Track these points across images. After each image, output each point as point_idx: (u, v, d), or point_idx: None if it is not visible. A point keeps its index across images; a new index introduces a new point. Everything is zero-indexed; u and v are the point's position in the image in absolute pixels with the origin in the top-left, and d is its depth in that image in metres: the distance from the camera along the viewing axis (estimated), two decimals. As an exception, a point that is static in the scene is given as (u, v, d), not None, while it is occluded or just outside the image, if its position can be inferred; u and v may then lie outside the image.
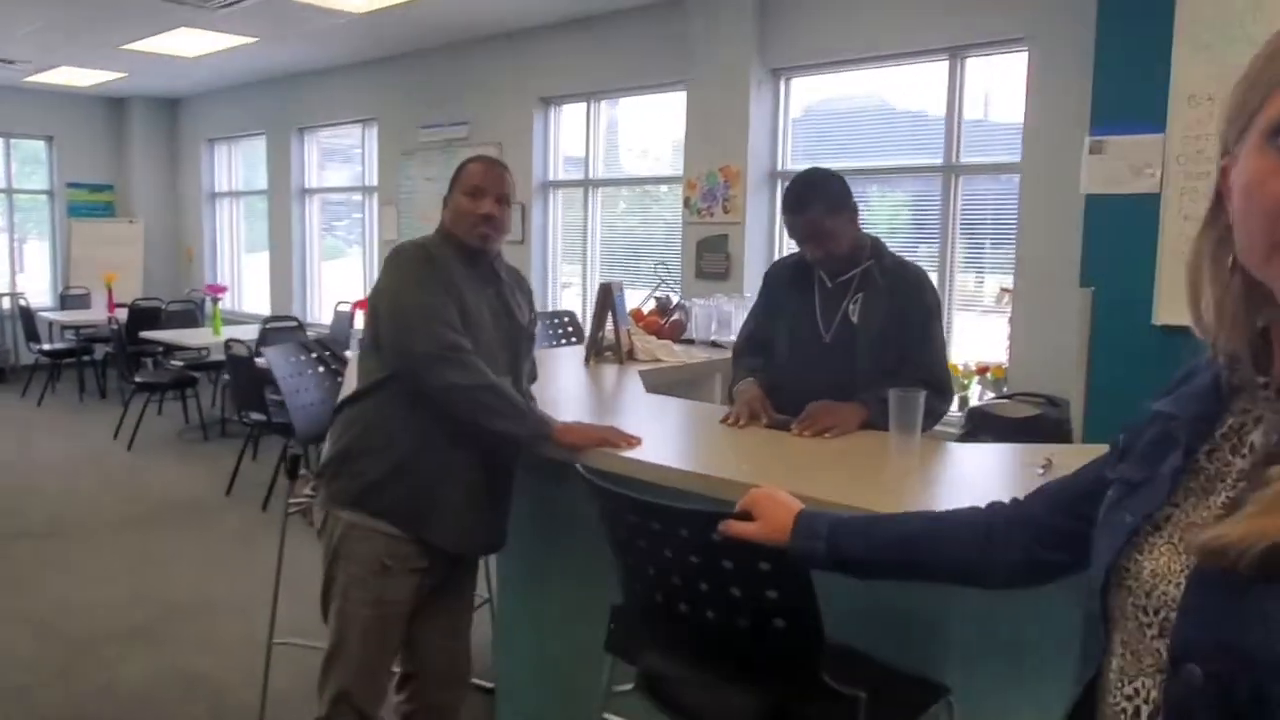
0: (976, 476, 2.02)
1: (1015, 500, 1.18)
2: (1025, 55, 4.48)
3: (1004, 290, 4.84)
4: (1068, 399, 4.14)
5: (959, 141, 4.88)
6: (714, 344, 4.04)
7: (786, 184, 2.50)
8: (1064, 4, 4.24)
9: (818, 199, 2.41)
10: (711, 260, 5.61)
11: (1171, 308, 3.75)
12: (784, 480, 1.80)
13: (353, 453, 2.12)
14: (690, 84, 5.64)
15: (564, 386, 3.16)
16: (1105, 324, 3.94)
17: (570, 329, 4.62)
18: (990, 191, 4.90)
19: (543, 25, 6.44)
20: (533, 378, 2.44)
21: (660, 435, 2.38)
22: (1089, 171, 3.93)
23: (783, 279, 2.65)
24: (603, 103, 6.56)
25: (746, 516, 1.32)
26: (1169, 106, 3.69)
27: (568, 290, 6.98)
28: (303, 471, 2.65)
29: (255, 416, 5.35)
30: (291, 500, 2.59)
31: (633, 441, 2.14)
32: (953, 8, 4.65)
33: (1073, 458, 2.06)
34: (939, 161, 4.91)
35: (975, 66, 4.84)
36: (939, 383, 2.43)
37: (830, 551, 1.22)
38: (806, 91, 5.58)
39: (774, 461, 2.06)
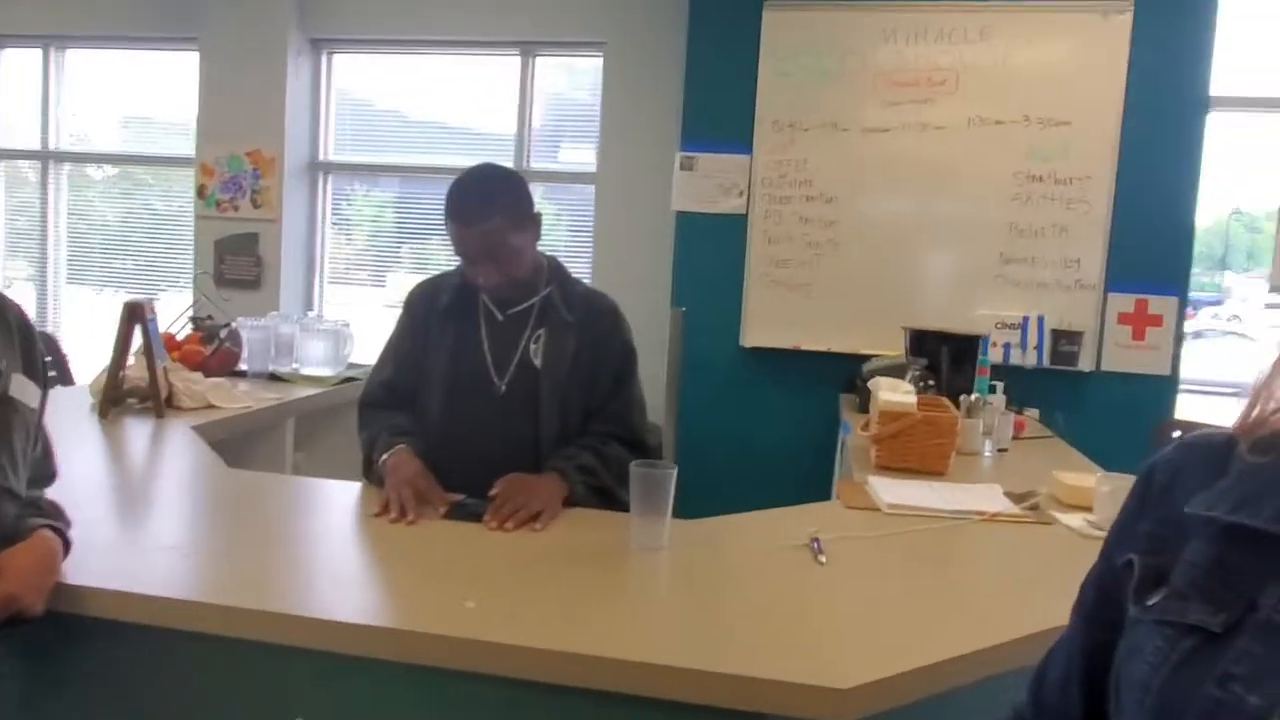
0: (754, 569, 1.60)
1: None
2: (601, 60, 4.26)
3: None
4: (657, 424, 4.01)
5: (529, 145, 4.52)
6: (274, 377, 3.14)
7: (452, 184, 1.84)
8: (646, 14, 4.10)
9: (500, 207, 1.81)
10: (237, 264, 4.55)
11: (758, 330, 3.78)
12: (539, 624, 1.22)
13: None
14: (204, 44, 4.50)
15: (74, 456, 2.10)
16: (694, 345, 3.87)
17: (48, 359, 3.31)
18: (565, 201, 4.63)
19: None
20: (46, 476, 1.46)
21: (295, 556, 1.58)
22: (679, 188, 3.82)
23: (435, 308, 1.98)
24: (68, 52, 5.01)
25: None
26: (754, 130, 3.71)
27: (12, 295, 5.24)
28: None
29: None
30: None
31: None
32: (525, 2, 4.27)
33: (836, 518, 1.86)
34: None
35: (547, 67, 4.53)
36: (638, 440, 1.99)
37: None
38: (354, 73, 4.79)
39: (498, 588, 1.42)
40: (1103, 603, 0.72)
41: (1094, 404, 3.60)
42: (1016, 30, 3.50)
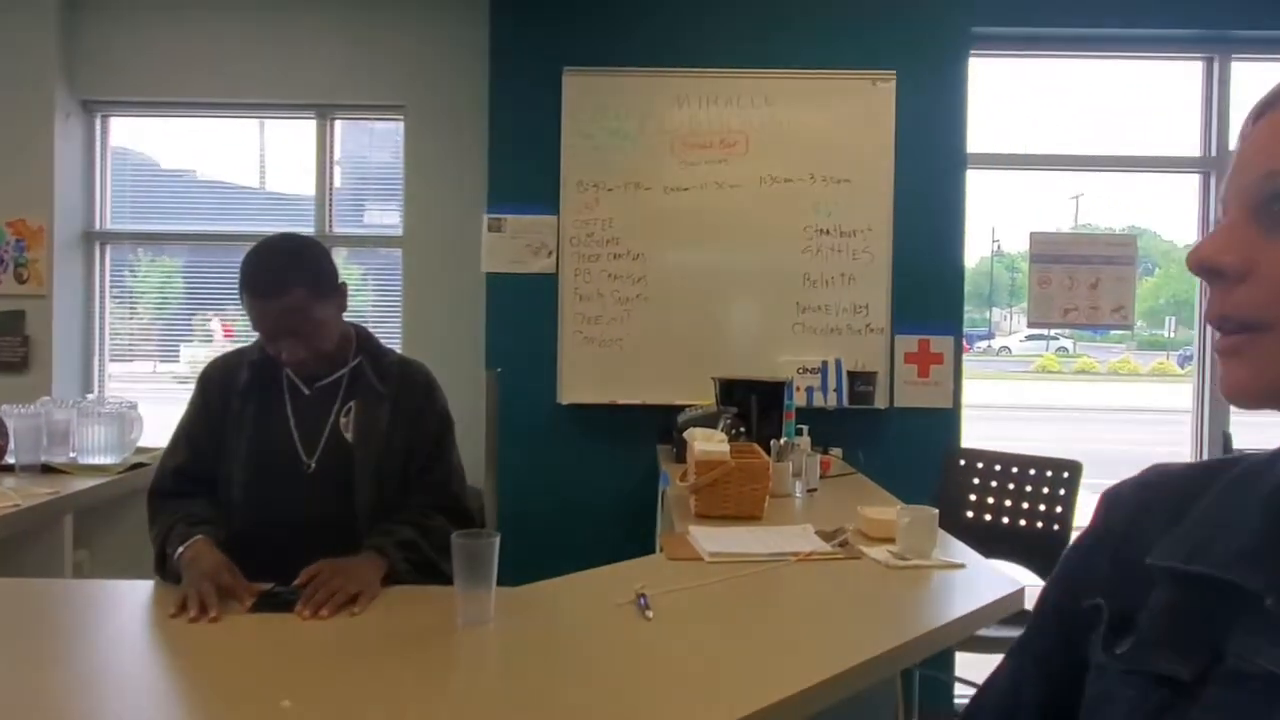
0: (583, 630, 1.58)
1: None
2: (402, 123, 4.21)
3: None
4: (478, 487, 3.94)
5: (331, 209, 4.39)
6: (47, 469, 2.85)
7: (247, 255, 1.76)
8: (446, 77, 4.10)
9: (301, 278, 1.74)
10: (2, 346, 4.13)
11: (574, 387, 3.81)
12: (363, 716, 1.17)
13: None
14: (-48, 104, 4.11)
15: None
16: (511, 405, 3.84)
17: None
18: (372, 264, 4.51)
19: None
20: None
21: (72, 676, 1.43)
22: (489, 249, 3.82)
23: (233, 386, 1.87)
24: None
25: None
26: (560, 190, 3.77)
27: None
28: None
29: None
30: None
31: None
32: (323, 64, 4.17)
33: (661, 571, 1.85)
34: (310, 231, 4.34)
35: (348, 129, 4.43)
36: (459, 511, 1.94)
37: None
38: (139, 136, 4.50)
39: (315, 681, 1.34)
40: (1065, 646, 0.70)
41: (890, 439, 3.84)
42: (796, 96, 3.76)
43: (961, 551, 2.10)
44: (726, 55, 3.78)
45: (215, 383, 1.89)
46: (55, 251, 4.13)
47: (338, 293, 1.83)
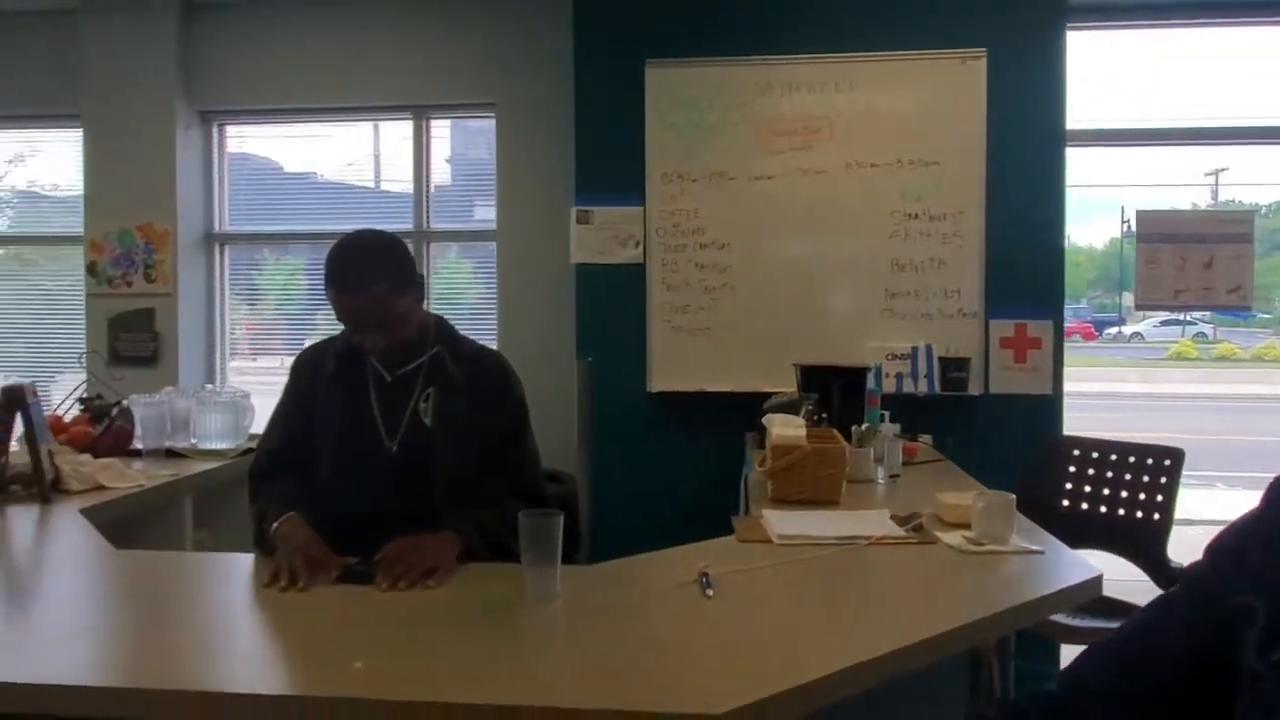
0: (644, 607, 1.64)
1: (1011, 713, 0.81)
2: (494, 120, 4.34)
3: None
4: (572, 474, 4.03)
5: (429, 206, 4.56)
6: (170, 453, 3.08)
7: (330, 251, 1.87)
8: (535, 74, 4.20)
9: (380, 272, 1.85)
10: (132, 341, 4.45)
11: (663, 375, 3.86)
12: (428, 679, 1.24)
13: None
14: (89, 120, 4.45)
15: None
16: (603, 393, 3.92)
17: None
18: (446, 258, 4.66)
19: None
20: None
21: (177, 631, 1.57)
22: (577, 241, 3.90)
23: (322, 372, 2.00)
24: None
25: None
26: (646, 181, 3.82)
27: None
28: None
29: None
30: None
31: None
32: (418, 66, 4.34)
33: (729, 553, 1.91)
34: (409, 227, 4.52)
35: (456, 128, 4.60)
36: (536, 494, 2.02)
37: None
38: (243, 142, 4.78)
39: (388, 647, 1.43)
40: (1210, 629, 0.69)
41: (984, 426, 3.75)
42: (882, 78, 3.71)
43: (1042, 538, 2.05)
44: (809, 41, 3.75)
45: (305, 371, 2.02)
46: (179, 253, 4.43)
47: (415, 285, 1.93)
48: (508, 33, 4.25)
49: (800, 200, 3.76)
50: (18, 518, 2.30)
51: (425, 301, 2.05)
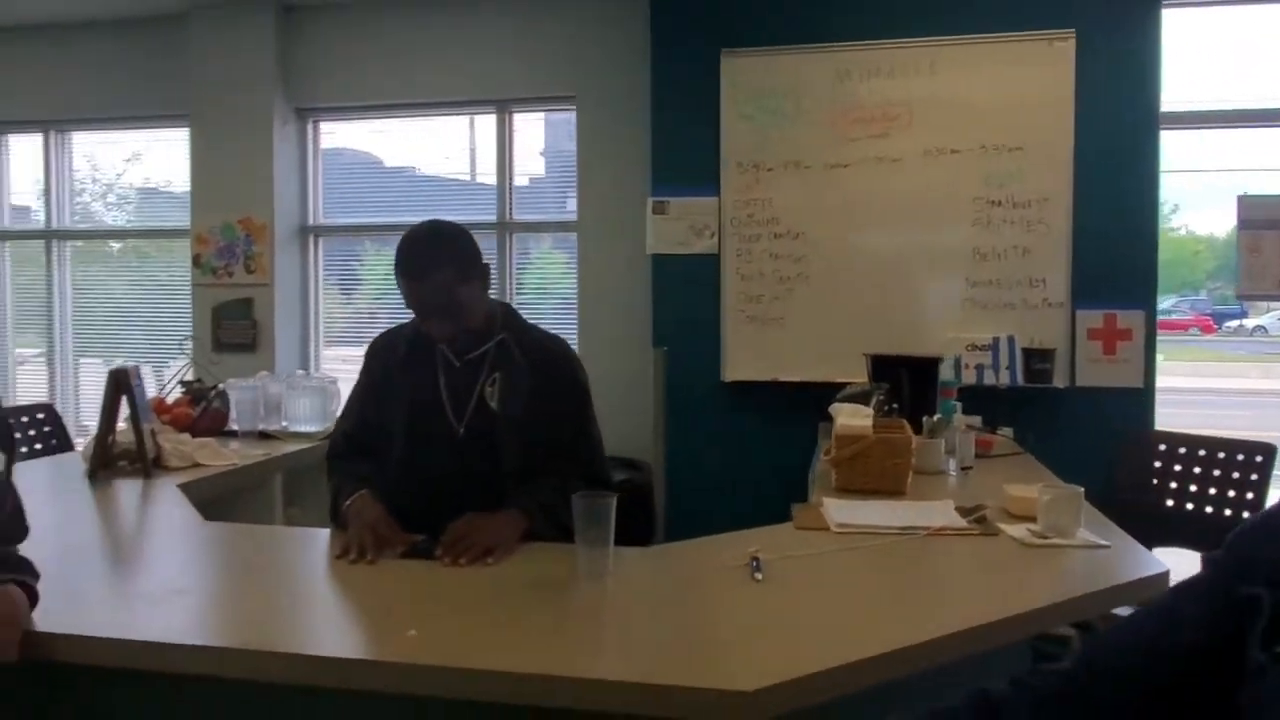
0: (691, 588, 1.67)
1: (1016, 686, 0.82)
2: (575, 113, 4.41)
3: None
4: (647, 460, 4.09)
5: (511, 197, 4.66)
6: (263, 435, 3.25)
7: (400, 241, 1.96)
8: (613, 65, 4.26)
9: (446, 261, 1.92)
10: (233, 329, 4.70)
11: (737, 365, 3.87)
12: (475, 647, 1.30)
13: None
14: (195, 119, 4.70)
15: (64, 518, 2.22)
16: (677, 382, 3.96)
17: (49, 429, 3.45)
18: (541, 249, 4.75)
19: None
20: (15, 535, 1.54)
21: (255, 597, 1.67)
22: (654, 231, 3.94)
23: (394, 357, 2.09)
24: (75, 135, 5.23)
25: None
26: (721, 171, 3.83)
27: (25, 371, 5.41)
28: None
29: None
30: None
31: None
32: (500, 60, 4.45)
33: (784, 539, 1.94)
34: (491, 219, 4.64)
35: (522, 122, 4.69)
36: (598, 476, 2.07)
37: None
38: (337, 137, 4.98)
39: (443, 617, 1.50)
40: (1223, 617, 0.70)
41: (1069, 419, 3.65)
42: (965, 62, 3.63)
43: (1111, 533, 2.00)
44: (887, 26, 3.70)
45: (378, 356, 2.12)
46: (276, 244, 4.64)
47: (481, 274, 1.99)
48: (588, 25, 4.31)
49: (877, 188, 3.71)
50: (123, 490, 2.48)
51: (501, 292, 2.11)
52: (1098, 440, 3.43)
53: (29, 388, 5.31)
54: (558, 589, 1.65)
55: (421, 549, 1.81)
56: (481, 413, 2.04)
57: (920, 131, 3.67)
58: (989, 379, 3.66)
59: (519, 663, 1.27)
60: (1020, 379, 3.66)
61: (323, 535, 2.01)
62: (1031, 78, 3.59)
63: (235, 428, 3.24)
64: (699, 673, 1.24)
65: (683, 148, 3.90)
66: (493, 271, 2.08)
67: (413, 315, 2.03)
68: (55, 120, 5.11)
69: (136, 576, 1.88)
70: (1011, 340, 3.67)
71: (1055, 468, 2.86)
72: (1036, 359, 3.67)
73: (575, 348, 4.24)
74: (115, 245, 5.47)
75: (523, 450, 2.02)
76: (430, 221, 2.00)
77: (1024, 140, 3.59)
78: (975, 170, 3.64)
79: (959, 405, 2.95)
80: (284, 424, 3.35)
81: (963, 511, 2.14)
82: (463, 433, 2.03)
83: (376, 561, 1.76)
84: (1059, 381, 3.65)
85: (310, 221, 4.85)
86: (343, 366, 4.86)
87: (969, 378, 3.63)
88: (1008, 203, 3.63)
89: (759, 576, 1.65)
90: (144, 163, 5.28)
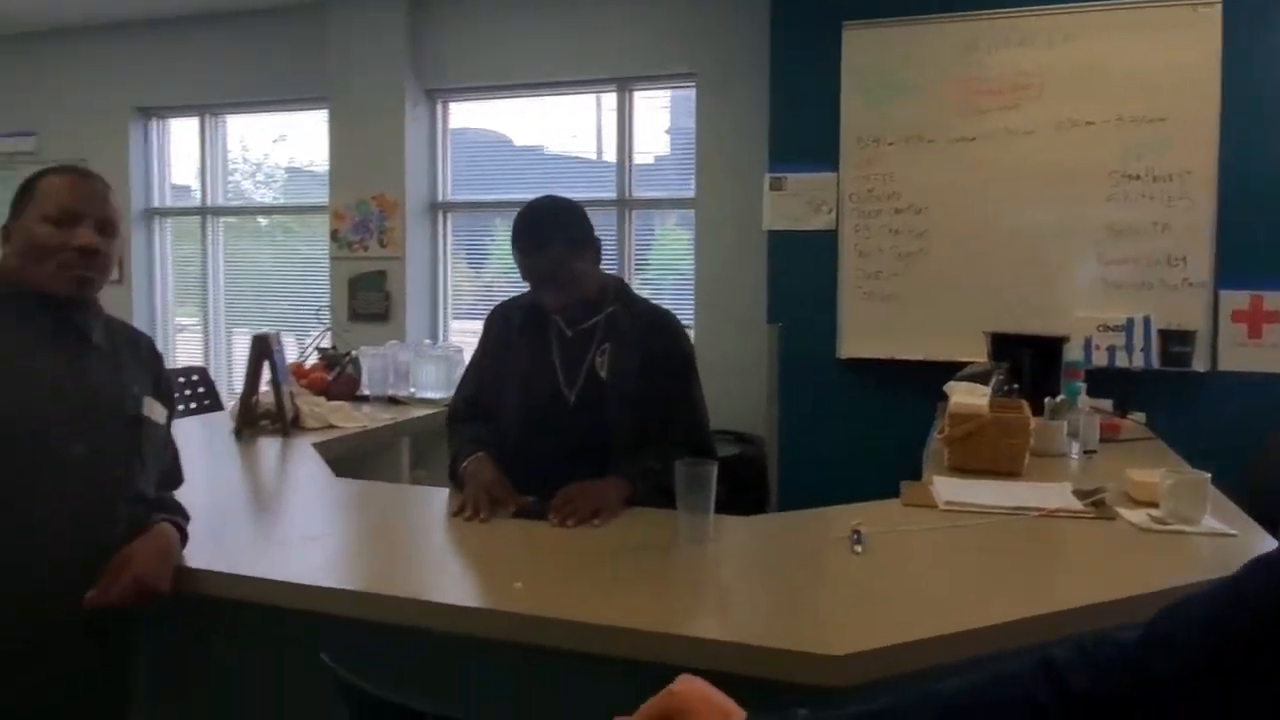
0: (791, 557, 1.70)
1: (1080, 651, 0.82)
2: (694, 91, 4.43)
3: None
4: (760, 435, 4.11)
5: (630, 174, 4.72)
6: (392, 400, 3.43)
7: (516, 216, 2.04)
8: (732, 42, 4.25)
9: (559, 235, 1.99)
10: (368, 300, 4.95)
11: (853, 342, 3.83)
12: (577, 601, 1.37)
13: None
14: (333, 102, 4.95)
15: (213, 469, 2.42)
16: (792, 359, 3.95)
17: (202, 390, 3.74)
18: (665, 226, 4.80)
19: (143, 20, 5.34)
20: (173, 481, 1.72)
21: (379, 546, 1.80)
22: (770, 208, 3.93)
23: (510, 327, 2.18)
24: (228, 118, 5.60)
25: None
26: (840, 147, 3.78)
27: (184, 338, 5.85)
28: None
29: None
30: None
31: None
32: (621, 39, 4.50)
33: (889, 515, 1.93)
34: (611, 195, 4.72)
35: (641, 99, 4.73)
36: (703, 445, 2.11)
37: None
38: (465, 117, 5.15)
39: (548, 573, 1.59)
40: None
41: (1209, 404, 3.46)
42: (1102, 30, 3.46)
43: (1241, 522, 1.91)
44: (1016, -6, 3.56)
45: (495, 325, 2.21)
46: (407, 220, 4.86)
47: (591, 247, 2.06)
48: (708, 2, 4.31)
49: (1005, 162, 3.59)
50: (264, 447, 2.68)
51: (620, 268, 2.17)
52: (1241, 427, 3.24)
53: (187, 353, 5.74)
54: (659, 552, 1.70)
55: (532, 510, 1.89)
56: (592, 382, 2.10)
57: (1053, 102, 3.52)
58: (1121, 361, 3.51)
59: (616, 617, 1.33)
60: (1156, 362, 3.49)
61: (442, 494, 2.13)
62: (1174, 45, 3.39)
63: (366, 392, 3.43)
64: (791, 636, 1.26)
65: (801, 123, 3.86)
66: (609, 247, 2.14)
67: (529, 287, 2.12)
68: (210, 104, 5.47)
69: (275, 524, 2.04)
70: (1147, 321, 3.50)
71: (1190, 455, 2.72)
72: (1175, 341, 3.49)
73: (693, 324, 4.33)
74: (263, 221, 5.84)
75: (630, 419, 2.08)
76: (544, 197, 2.08)
77: (1166, 111, 3.40)
78: (1112, 143, 3.47)
79: (1084, 386, 2.85)
80: (412, 390, 3.53)
81: (1080, 495, 2.08)
82: (573, 401, 2.11)
83: (489, 520, 1.85)
84: (1199, 365, 3.46)
85: (439, 198, 5.04)
86: (469, 338, 5.02)
87: (1100, 359, 3.48)
88: (1146, 176, 3.45)
89: (859, 549, 1.66)
90: (289, 143, 5.61)
